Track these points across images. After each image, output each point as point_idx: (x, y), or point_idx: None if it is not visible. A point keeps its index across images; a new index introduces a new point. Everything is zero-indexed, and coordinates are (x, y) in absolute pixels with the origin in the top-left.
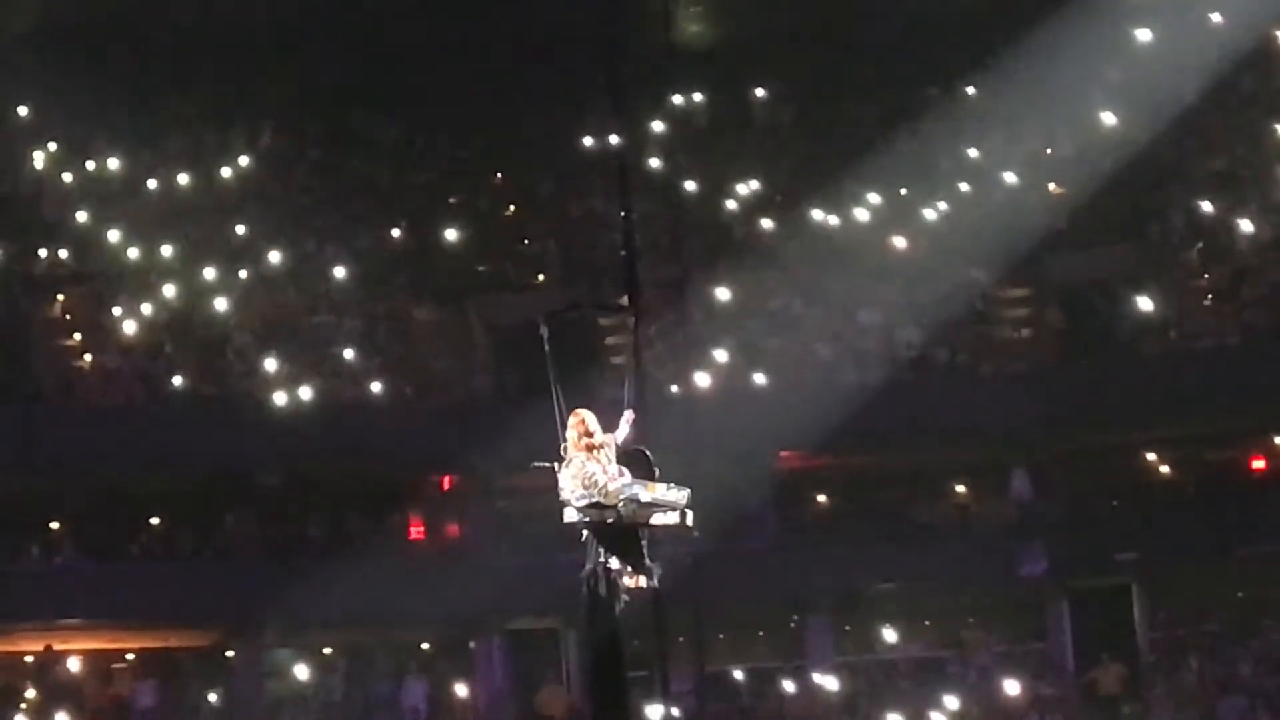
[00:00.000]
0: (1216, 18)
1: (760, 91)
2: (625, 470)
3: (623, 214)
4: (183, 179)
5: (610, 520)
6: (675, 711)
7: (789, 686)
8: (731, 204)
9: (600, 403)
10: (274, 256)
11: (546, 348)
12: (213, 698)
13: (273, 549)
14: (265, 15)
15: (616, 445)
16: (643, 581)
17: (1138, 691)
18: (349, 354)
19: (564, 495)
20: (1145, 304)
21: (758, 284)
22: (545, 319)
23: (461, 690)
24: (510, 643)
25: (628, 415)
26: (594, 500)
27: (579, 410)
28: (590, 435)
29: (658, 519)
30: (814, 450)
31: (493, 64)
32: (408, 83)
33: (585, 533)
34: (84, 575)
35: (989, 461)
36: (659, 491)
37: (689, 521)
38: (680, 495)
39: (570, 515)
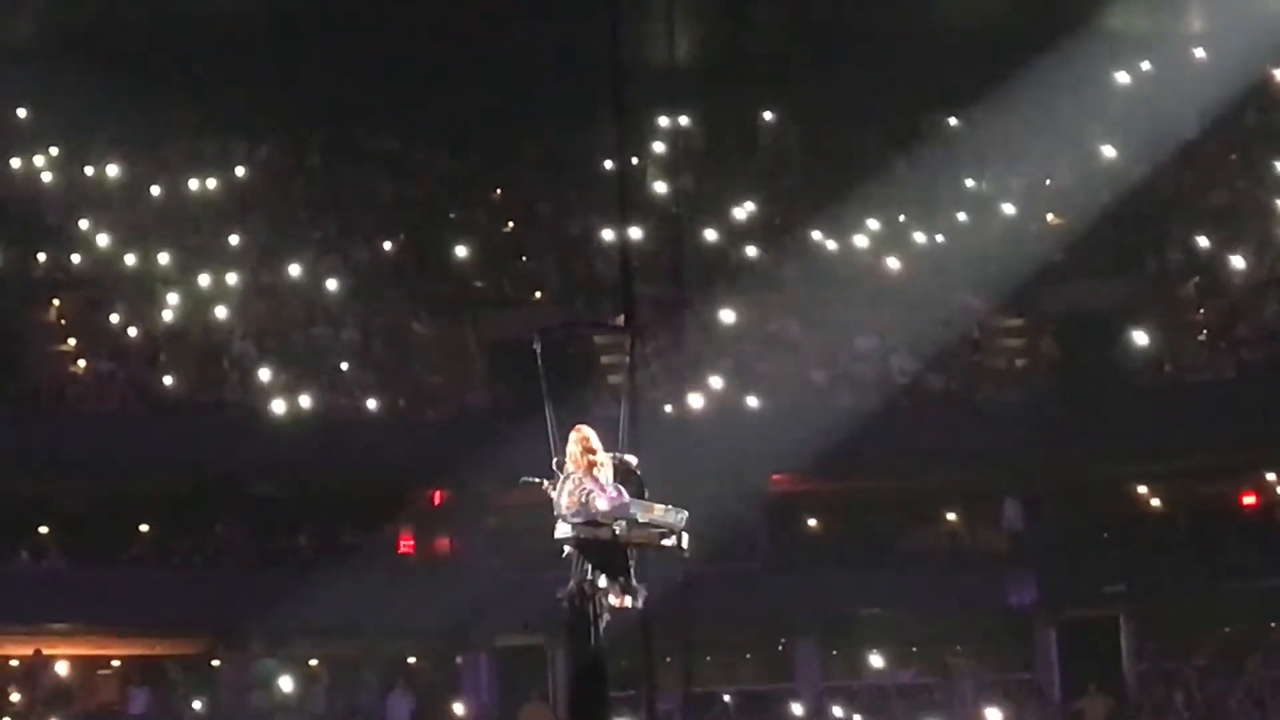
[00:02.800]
0: (1218, 53)
1: (762, 115)
2: (622, 490)
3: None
4: (182, 187)
5: (604, 538)
6: None
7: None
8: (731, 226)
9: (593, 420)
10: (272, 266)
11: (540, 364)
12: (199, 705)
13: (263, 558)
14: (267, 26)
15: (615, 465)
16: (628, 601)
17: None
18: (344, 366)
19: (559, 511)
20: (1140, 337)
21: (755, 306)
22: (540, 335)
23: (448, 705)
24: (497, 659)
25: (630, 459)
26: (590, 518)
27: (581, 426)
28: (592, 452)
29: (651, 539)
30: (806, 474)
31: (494, 80)
32: (409, 96)
33: (568, 550)
34: (73, 580)
35: (981, 490)
36: (657, 513)
37: (684, 544)
38: (678, 518)
39: (563, 531)
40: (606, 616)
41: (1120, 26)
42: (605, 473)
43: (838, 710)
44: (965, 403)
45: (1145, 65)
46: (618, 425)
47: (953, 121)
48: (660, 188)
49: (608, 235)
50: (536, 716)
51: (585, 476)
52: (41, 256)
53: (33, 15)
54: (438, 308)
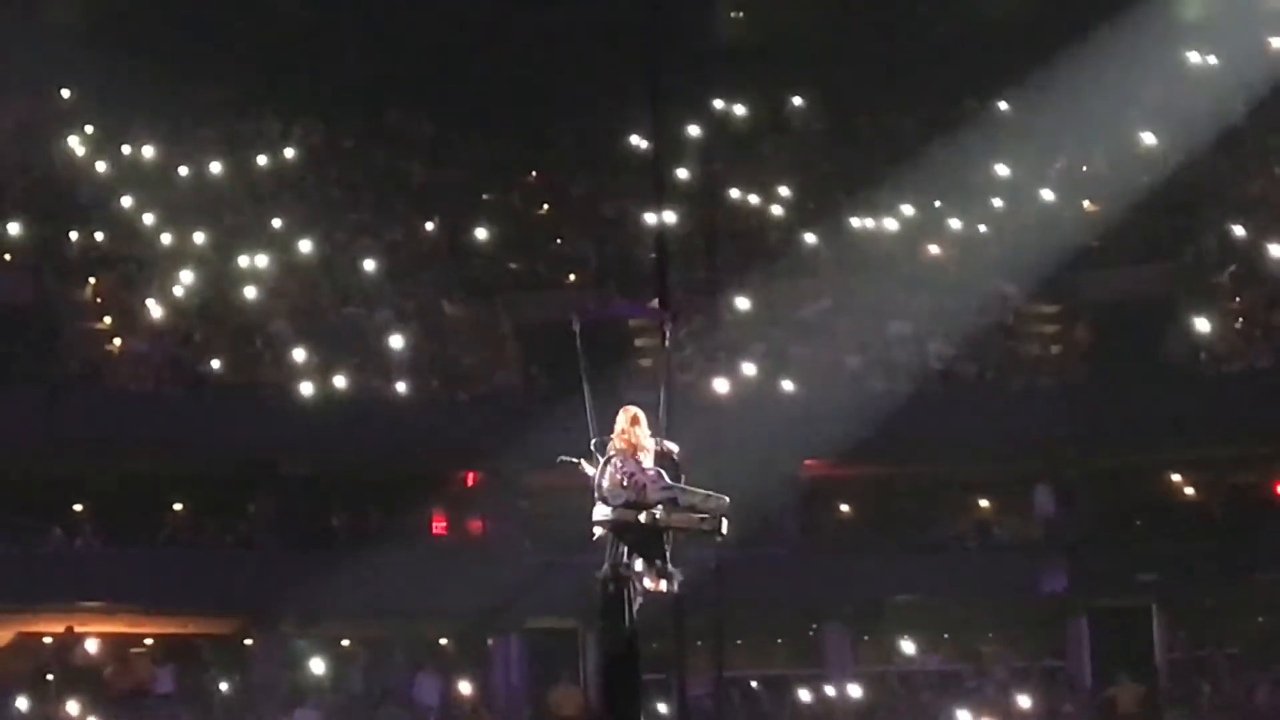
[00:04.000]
0: (1261, 40)
1: (798, 99)
2: (663, 473)
3: (655, 216)
4: (217, 167)
5: (643, 521)
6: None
7: (806, 695)
8: (766, 210)
9: (628, 402)
10: (306, 247)
11: (578, 344)
12: (226, 686)
13: (295, 539)
14: (304, 7)
15: (656, 449)
16: (663, 585)
17: (1155, 712)
18: (378, 347)
19: (599, 492)
20: (1176, 325)
21: (789, 291)
22: (577, 315)
23: (478, 687)
24: (528, 641)
25: (672, 446)
26: (630, 499)
27: (630, 407)
28: (638, 435)
29: (689, 524)
30: (839, 459)
31: (530, 62)
32: (444, 78)
33: (600, 531)
34: (106, 559)
35: (1013, 477)
36: (698, 498)
37: (723, 529)
38: (719, 504)
39: (601, 512)
40: (640, 600)
41: (1164, 12)
42: (648, 456)
43: (859, 692)
44: (999, 389)
45: (1189, 52)
46: (655, 410)
47: (990, 106)
48: (695, 169)
49: (642, 218)
50: (567, 700)
51: (627, 459)
52: (77, 236)
53: None
54: (471, 289)
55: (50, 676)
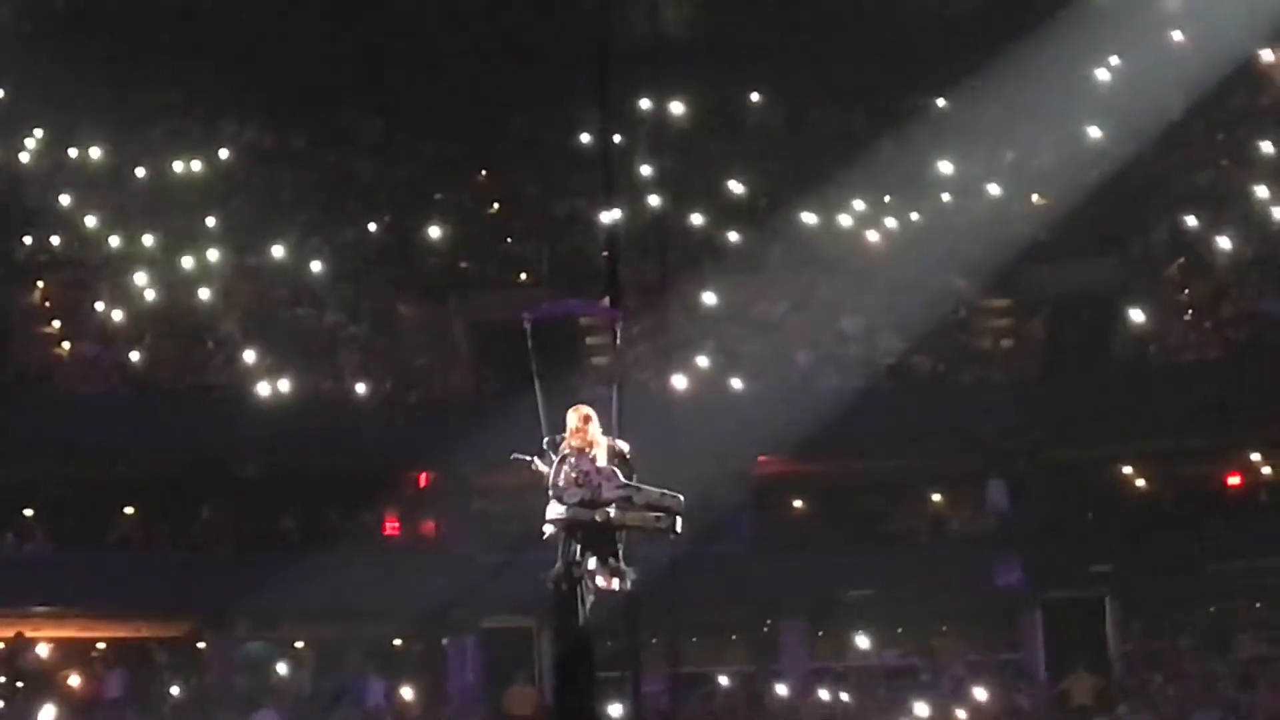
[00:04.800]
0: (1205, 34)
1: (749, 96)
2: (617, 471)
3: (606, 215)
4: (166, 169)
5: (597, 520)
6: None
7: (762, 691)
8: (715, 208)
9: (579, 401)
10: (256, 249)
11: (529, 343)
12: (177, 690)
13: (248, 541)
14: (252, 7)
15: (608, 448)
16: (616, 583)
17: (1110, 704)
18: (329, 348)
19: (554, 491)
20: (1126, 318)
21: (740, 288)
22: (528, 314)
23: (431, 687)
24: (484, 640)
25: (623, 445)
26: (585, 498)
27: (581, 406)
28: (589, 432)
29: (643, 522)
30: (792, 455)
31: (479, 60)
32: (393, 78)
33: (551, 530)
34: (57, 562)
35: (966, 471)
36: (653, 496)
37: (678, 528)
38: (674, 502)
39: (555, 511)
40: (592, 598)
41: (1105, 7)
42: (601, 454)
43: (824, 692)
44: (951, 384)
45: (1131, 46)
46: (606, 408)
47: (938, 102)
48: (645, 169)
49: (593, 217)
50: (523, 698)
51: (581, 457)
52: (25, 239)
53: None
54: (423, 290)
55: (1, 680)
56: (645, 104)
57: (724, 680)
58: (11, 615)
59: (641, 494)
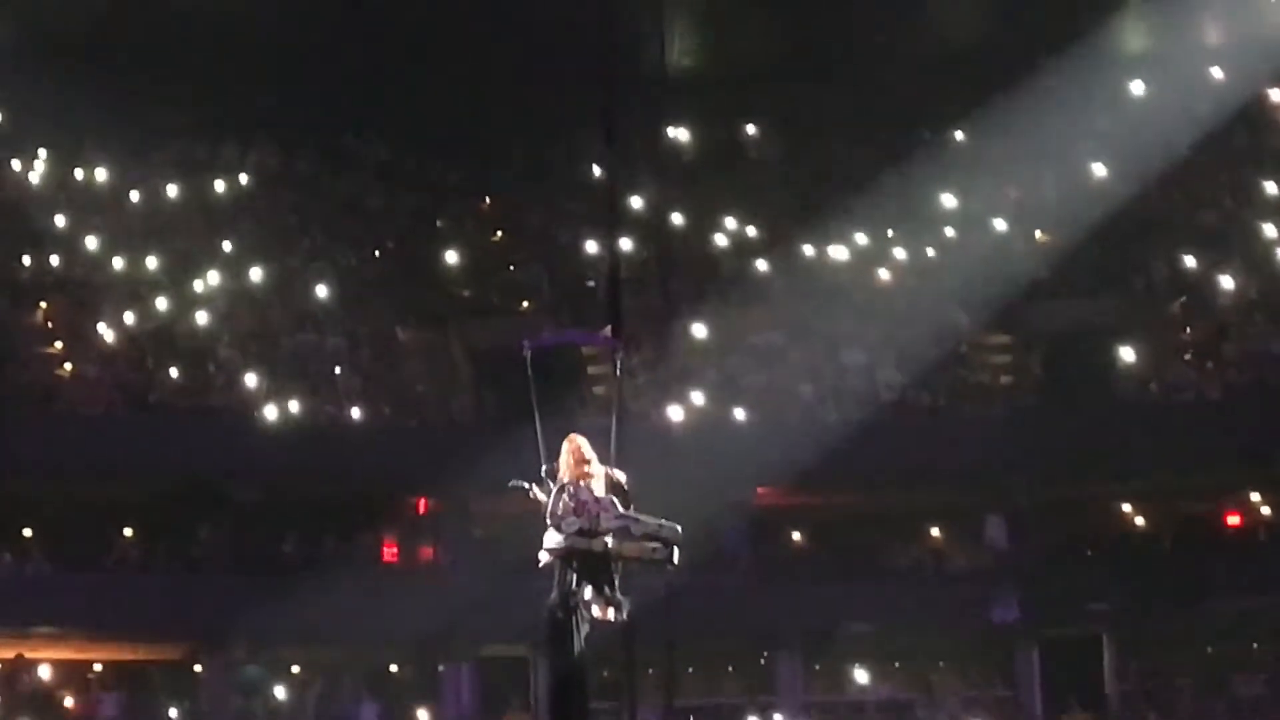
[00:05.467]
0: (1211, 73)
1: (751, 127)
2: (616, 501)
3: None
4: (170, 191)
5: (595, 549)
6: None
7: None
8: (718, 238)
9: (580, 431)
10: (259, 272)
11: (529, 370)
12: (175, 713)
13: (246, 564)
14: (258, 32)
15: (605, 477)
16: (611, 614)
17: None
18: (330, 372)
19: (552, 519)
20: (1126, 355)
21: (741, 319)
22: (528, 342)
23: (426, 715)
24: (479, 668)
25: (619, 474)
26: (582, 527)
27: (574, 436)
28: (585, 462)
29: (641, 552)
30: (791, 488)
31: (485, 89)
32: (398, 104)
33: (547, 558)
34: (56, 584)
35: (965, 506)
36: (650, 526)
37: (675, 559)
38: (671, 532)
39: (552, 540)
40: (586, 627)
41: (1111, 46)
42: (598, 484)
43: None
44: (950, 419)
45: (1136, 84)
46: (606, 437)
47: (943, 136)
48: (648, 197)
49: (595, 246)
50: None
51: (579, 487)
52: (28, 259)
53: (21, 17)
54: (424, 315)
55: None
56: (649, 134)
57: None
58: (10, 636)
59: (639, 524)
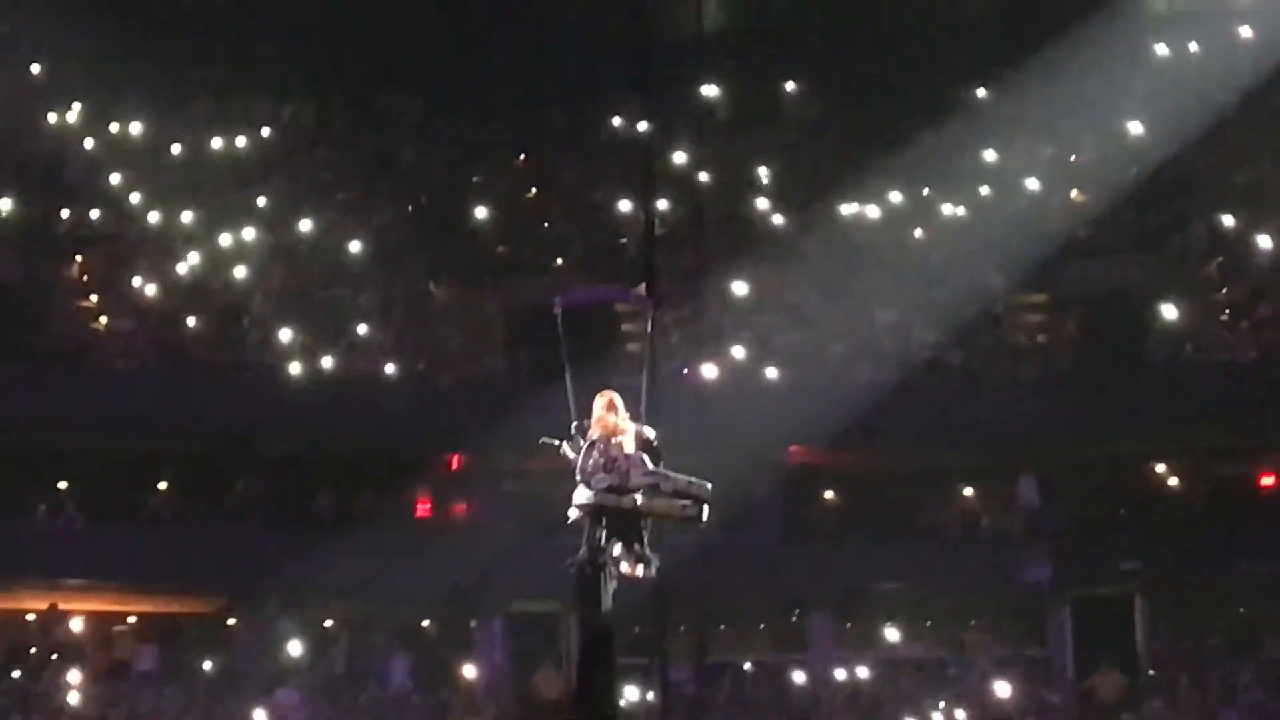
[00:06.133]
0: (1248, 31)
1: (787, 86)
2: (646, 458)
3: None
4: (205, 145)
5: (625, 506)
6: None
7: (789, 681)
8: (753, 197)
9: (612, 388)
10: (294, 227)
11: (560, 328)
12: (209, 665)
13: (279, 519)
14: None
15: (635, 435)
16: (640, 570)
17: (1136, 702)
18: (364, 328)
19: (581, 475)
20: (1162, 315)
21: (775, 278)
22: (560, 299)
23: (458, 669)
24: (511, 624)
25: (649, 431)
26: (612, 484)
27: (606, 390)
28: (616, 418)
29: (670, 509)
30: (823, 447)
31: (519, 46)
32: (433, 61)
33: (576, 515)
34: (90, 536)
35: (998, 467)
36: (680, 484)
37: (705, 516)
38: (701, 489)
39: (583, 496)
40: (615, 584)
41: (1151, 2)
42: (629, 441)
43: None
44: (985, 379)
45: (1175, 41)
46: (637, 395)
47: (979, 95)
48: (683, 155)
49: (630, 204)
50: (549, 683)
51: (610, 444)
52: (65, 213)
53: None
54: (458, 272)
55: (33, 652)
56: (684, 92)
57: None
58: (44, 587)
59: (669, 481)
